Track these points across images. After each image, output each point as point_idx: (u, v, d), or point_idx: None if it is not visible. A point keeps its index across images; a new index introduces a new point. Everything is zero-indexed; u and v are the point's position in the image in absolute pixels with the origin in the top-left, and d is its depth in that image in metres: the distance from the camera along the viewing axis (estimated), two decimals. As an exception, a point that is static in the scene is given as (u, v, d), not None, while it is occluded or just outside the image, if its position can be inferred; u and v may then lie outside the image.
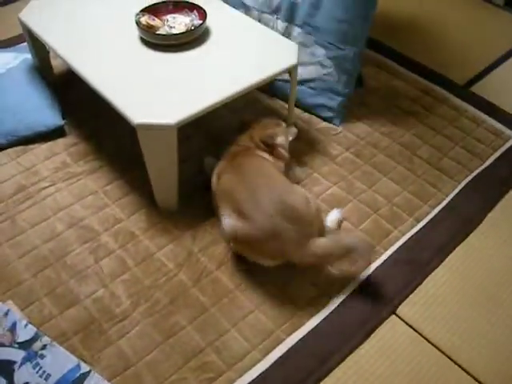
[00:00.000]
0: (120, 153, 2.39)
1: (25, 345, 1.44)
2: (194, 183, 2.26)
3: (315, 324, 1.86)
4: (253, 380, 1.72)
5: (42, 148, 2.42)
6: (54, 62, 2.74)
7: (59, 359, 1.42)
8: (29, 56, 2.73)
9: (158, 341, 1.80)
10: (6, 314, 1.48)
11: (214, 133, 2.50)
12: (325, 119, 2.62)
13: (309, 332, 1.84)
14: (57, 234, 2.09)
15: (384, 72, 2.93)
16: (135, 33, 2.27)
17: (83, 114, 2.58)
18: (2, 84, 2.61)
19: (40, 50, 2.62)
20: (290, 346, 1.80)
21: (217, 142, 2.40)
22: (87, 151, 2.40)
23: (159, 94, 2.01)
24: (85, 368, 1.41)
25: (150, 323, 1.84)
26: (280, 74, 2.18)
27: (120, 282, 1.95)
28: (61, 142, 2.45)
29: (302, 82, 2.59)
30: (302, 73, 2.53)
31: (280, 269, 1.93)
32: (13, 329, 1.46)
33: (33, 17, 2.46)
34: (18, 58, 2.77)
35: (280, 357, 1.78)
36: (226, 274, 1.99)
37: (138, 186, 2.25)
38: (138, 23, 2.23)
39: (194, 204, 2.19)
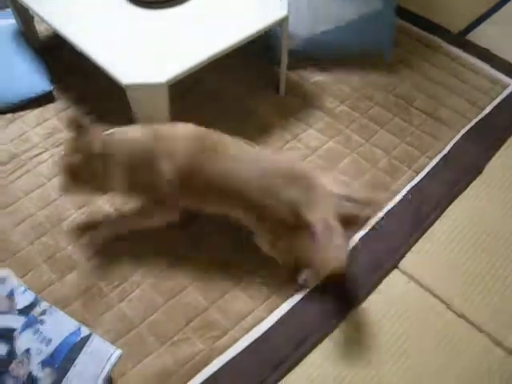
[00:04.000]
0: (110, 115, 2.33)
1: (24, 311, 1.42)
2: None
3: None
4: (257, 338, 1.71)
5: (31, 114, 2.38)
6: (39, 28, 2.66)
7: (59, 324, 1.41)
8: (13, 21, 2.66)
9: (159, 302, 1.79)
10: (4, 281, 1.46)
11: (207, 91, 2.45)
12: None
13: (312, 289, 1.82)
14: (52, 200, 2.07)
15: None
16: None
17: (72, 78, 2.52)
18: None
19: (24, 16, 2.55)
20: (293, 303, 1.79)
21: (211, 101, 2.36)
22: (76, 115, 2.35)
23: (147, 52, 1.97)
24: (85, 331, 1.40)
25: (150, 285, 1.83)
26: (270, 27, 2.12)
27: (118, 244, 1.93)
28: (51, 107, 2.40)
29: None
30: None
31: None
32: (11, 296, 1.44)
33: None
34: (2, 24, 2.70)
35: (283, 315, 1.77)
36: (225, 236, 1.96)
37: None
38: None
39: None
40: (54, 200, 2.07)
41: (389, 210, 2.04)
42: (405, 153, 2.23)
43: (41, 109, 2.39)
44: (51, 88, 2.43)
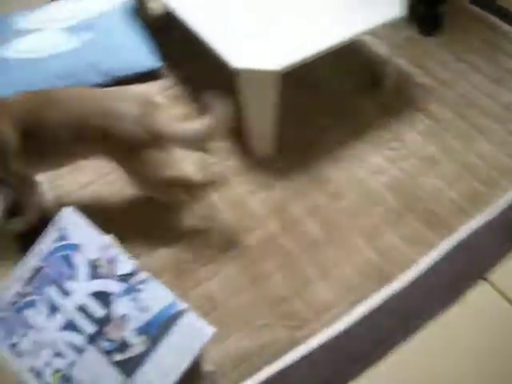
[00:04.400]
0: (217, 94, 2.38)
1: (124, 278, 1.47)
2: (290, 132, 2.22)
3: (402, 286, 1.82)
4: (338, 334, 1.72)
5: (139, 87, 2.44)
6: (153, 5, 2.74)
7: (156, 294, 1.45)
8: (127, -2, 2.75)
9: (245, 285, 1.82)
10: (107, 246, 1.52)
11: (311, 81, 2.44)
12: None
13: (395, 293, 1.81)
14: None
15: (480, 25, 2.78)
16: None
17: (180, 58, 2.59)
18: (102, 24, 2.64)
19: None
20: (374, 304, 1.78)
21: (312, 92, 2.36)
22: (183, 94, 2.41)
23: (262, 38, 1.97)
24: (181, 305, 1.44)
25: (238, 267, 1.86)
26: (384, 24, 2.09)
27: (212, 226, 1.96)
28: (156, 84, 2.46)
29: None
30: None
31: (373, 224, 1.91)
32: (112, 261, 1.49)
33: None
34: (116, 1, 2.79)
35: (365, 314, 1.76)
36: (316, 224, 1.97)
37: (235, 129, 2.24)
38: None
39: (290, 154, 2.17)
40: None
41: (484, 221, 1.99)
42: (505, 164, 2.16)
43: (147, 85, 2.46)
44: (160, 65, 2.49)
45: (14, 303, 1.55)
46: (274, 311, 1.77)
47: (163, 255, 1.88)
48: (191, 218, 1.99)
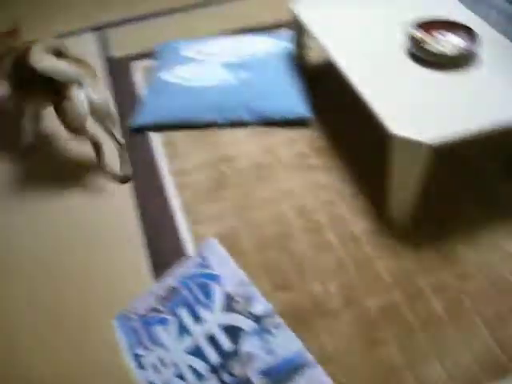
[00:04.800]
0: (360, 155, 2.43)
1: (257, 318, 1.52)
2: (429, 204, 2.22)
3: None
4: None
5: (285, 134, 2.54)
6: (311, 54, 2.84)
7: (286, 341, 1.48)
8: (288, 44, 2.86)
9: (360, 346, 1.81)
10: (246, 283, 1.57)
11: (459, 155, 2.43)
12: None
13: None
14: (285, 217, 2.19)
15: None
16: (402, 43, 2.28)
17: (330, 110, 2.66)
18: (259, 66, 2.77)
19: (301, 41, 2.73)
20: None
21: (461, 166, 2.35)
22: (327, 147, 2.47)
23: (421, 109, 1.99)
24: (308, 357, 1.46)
25: (355, 328, 1.86)
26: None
27: (336, 281, 1.98)
28: (304, 132, 2.55)
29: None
30: None
31: (498, 313, 1.86)
32: (249, 299, 1.54)
33: (304, 9, 2.57)
34: (276, 45, 2.92)
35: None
36: (440, 301, 1.94)
37: (371, 190, 2.27)
38: (408, 35, 2.24)
39: (425, 224, 2.16)
40: (286, 218, 2.18)
41: None
42: None
43: (294, 130, 2.55)
44: (309, 114, 2.56)
45: (146, 316, 1.63)
46: (385, 380, 1.75)
47: (282, 299, 1.91)
48: (314, 269, 2.01)
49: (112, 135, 2.36)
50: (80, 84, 2.16)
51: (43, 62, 2.12)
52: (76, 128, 2.22)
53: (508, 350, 1.81)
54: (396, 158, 1.96)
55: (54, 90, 2.15)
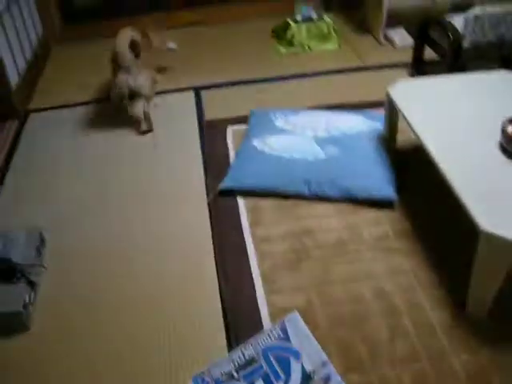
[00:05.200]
0: (443, 243, 2.41)
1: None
2: (508, 301, 2.18)
3: None
4: None
5: (369, 213, 2.57)
6: (400, 136, 2.88)
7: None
8: (378, 124, 2.93)
9: None
10: (325, 363, 1.59)
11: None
12: None
13: None
14: (362, 297, 2.19)
15: None
16: (496, 138, 2.29)
17: (416, 194, 2.68)
18: (348, 144, 2.84)
19: (392, 124, 2.79)
20: None
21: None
22: (410, 230, 2.48)
23: (511, 207, 1.99)
24: None
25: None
26: None
27: (409, 370, 1.96)
28: (388, 213, 2.57)
29: None
30: None
31: None
32: (327, 380, 1.55)
33: (400, 93, 2.63)
34: (367, 124, 2.99)
35: None
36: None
37: (452, 280, 2.24)
38: (503, 131, 2.25)
39: (503, 323, 2.11)
40: (364, 299, 2.18)
41: None
42: None
43: (379, 211, 2.58)
44: (395, 196, 2.59)
45: (223, 382, 1.66)
46: None
47: (354, 382, 1.90)
48: (389, 356, 2.00)
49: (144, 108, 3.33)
50: (127, 71, 3.22)
51: (120, 47, 3.22)
52: (115, 101, 3.29)
53: None
54: (482, 254, 1.95)
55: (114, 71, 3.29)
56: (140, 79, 3.24)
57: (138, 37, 3.45)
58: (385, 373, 1.94)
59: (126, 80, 3.19)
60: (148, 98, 3.34)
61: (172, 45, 4.07)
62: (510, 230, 1.86)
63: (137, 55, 3.36)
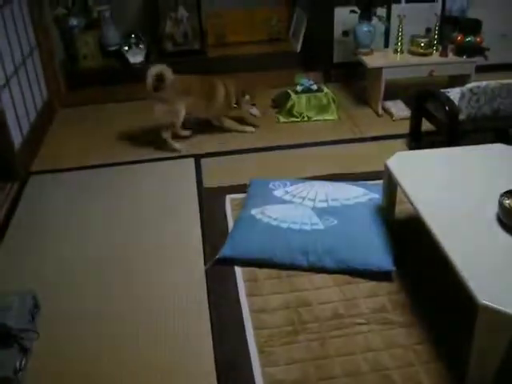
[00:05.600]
0: (442, 316, 2.39)
1: None
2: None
3: None
4: None
5: (366, 285, 2.56)
6: (398, 207, 2.90)
7: None
8: (377, 196, 2.95)
9: None
10: None
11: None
12: None
13: None
14: (359, 372, 2.15)
15: None
16: (493, 211, 2.30)
17: (414, 265, 2.68)
18: (347, 215, 2.86)
19: (390, 195, 2.81)
20: None
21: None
22: (408, 303, 2.46)
23: (509, 279, 1.98)
24: None
25: None
26: None
27: None
28: (385, 285, 2.55)
29: None
30: None
31: None
32: None
33: (398, 165, 2.66)
34: (367, 195, 3.01)
35: None
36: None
37: (449, 355, 2.21)
38: (500, 204, 2.26)
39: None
40: (362, 374, 2.14)
41: None
42: None
43: (376, 283, 2.56)
44: (392, 269, 2.58)
45: None
46: None
47: None
48: None
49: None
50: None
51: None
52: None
53: None
54: (480, 328, 1.93)
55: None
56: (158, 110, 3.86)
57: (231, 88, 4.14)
58: None
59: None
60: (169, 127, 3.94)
61: (255, 111, 4.26)
62: (509, 303, 1.85)
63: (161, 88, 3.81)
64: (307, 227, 2.78)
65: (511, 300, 1.86)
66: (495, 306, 1.85)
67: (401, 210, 2.95)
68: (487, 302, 1.85)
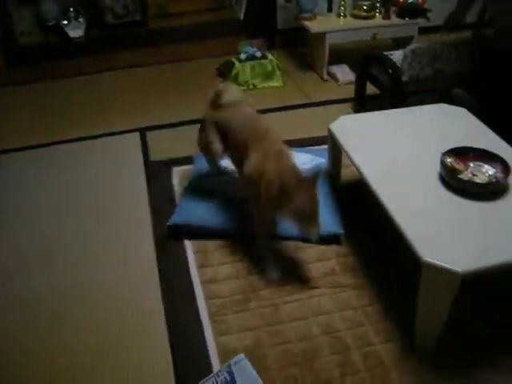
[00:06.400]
0: (390, 277, 2.44)
1: None
2: (457, 333, 2.18)
3: None
4: None
5: (316, 249, 2.57)
6: (344, 171, 2.92)
7: None
8: (323, 160, 2.95)
9: None
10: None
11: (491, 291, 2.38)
12: None
13: None
14: (312, 335, 2.18)
15: None
16: (436, 170, 2.33)
17: (361, 228, 2.71)
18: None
19: (336, 159, 2.82)
20: None
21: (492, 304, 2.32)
22: (357, 265, 2.49)
23: (451, 237, 2.02)
24: None
25: None
26: None
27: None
28: (334, 249, 2.58)
29: None
30: None
31: None
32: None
33: (341, 130, 2.67)
34: (314, 161, 3.00)
35: None
36: None
37: (398, 314, 2.25)
38: (442, 162, 2.30)
39: (449, 355, 2.11)
40: (314, 337, 2.17)
41: None
42: None
43: (325, 247, 2.58)
44: (341, 232, 2.60)
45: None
46: None
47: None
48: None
49: None
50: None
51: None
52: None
53: None
54: (425, 284, 1.97)
55: None
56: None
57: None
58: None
59: None
60: None
61: None
62: (451, 259, 1.89)
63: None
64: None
65: (453, 257, 1.90)
66: (438, 263, 1.88)
67: (347, 173, 2.96)
68: (430, 260, 1.89)
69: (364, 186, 2.33)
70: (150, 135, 3.72)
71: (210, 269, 2.50)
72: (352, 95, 3.98)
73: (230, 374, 1.70)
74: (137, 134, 3.74)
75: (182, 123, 3.85)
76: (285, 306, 2.30)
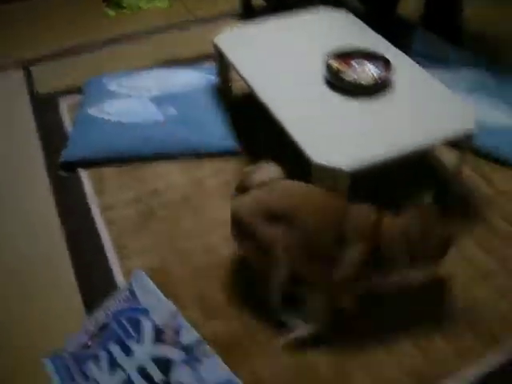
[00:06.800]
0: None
1: (187, 348, 1.55)
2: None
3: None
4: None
5: (212, 165, 2.60)
6: (234, 85, 2.92)
7: (215, 369, 1.52)
8: (213, 77, 2.93)
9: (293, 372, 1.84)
10: (174, 315, 1.61)
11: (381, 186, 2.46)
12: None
13: None
14: (214, 247, 2.23)
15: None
16: (320, 72, 2.37)
17: (255, 140, 2.73)
18: (185, 101, 2.83)
19: (225, 74, 2.81)
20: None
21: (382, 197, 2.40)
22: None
23: (339, 138, 2.08)
24: (240, 383, 1.50)
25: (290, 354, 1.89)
26: (455, 138, 2.17)
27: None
28: (231, 162, 2.61)
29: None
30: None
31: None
32: (178, 330, 1.58)
33: (226, 43, 2.65)
34: (202, 78, 2.98)
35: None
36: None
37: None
38: (326, 65, 2.34)
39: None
40: (214, 246, 2.22)
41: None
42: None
43: (220, 162, 2.61)
44: (234, 145, 2.63)
45: (78, 353, 1.64)
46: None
47: (214, 328, 1.90)
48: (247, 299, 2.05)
49: None
50: None
51: None
52: None
53: None
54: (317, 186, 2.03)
55: None
56: None
57: None
58: (243, 315, 1.98)
59: None
60: None
61: None
62: (339, 159, 1.95)
63: None
64: (148, 118, 2.74)
65: (341, 157, 1.97)
66: (326, 163, 1.95)
67: (238, 87, 2.95)
68: (319, 161, 1.95)
69: (254, 98, 2.34)
70: (34, 68, 3.53)
71: (108, 195, 2.48)
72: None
73: (131, 291, 1.73)
74: (20, 71, 3.54)
75: (64, 54, 3.67)
76: (185, 223, 2.32)
